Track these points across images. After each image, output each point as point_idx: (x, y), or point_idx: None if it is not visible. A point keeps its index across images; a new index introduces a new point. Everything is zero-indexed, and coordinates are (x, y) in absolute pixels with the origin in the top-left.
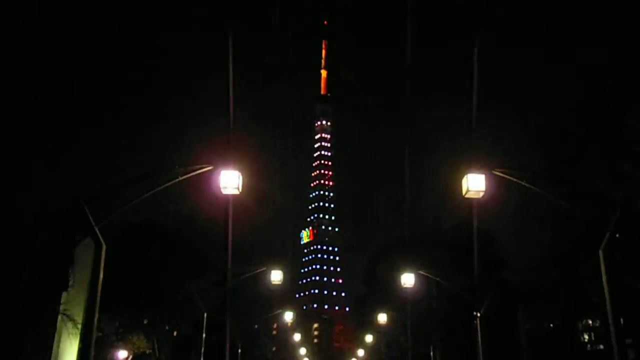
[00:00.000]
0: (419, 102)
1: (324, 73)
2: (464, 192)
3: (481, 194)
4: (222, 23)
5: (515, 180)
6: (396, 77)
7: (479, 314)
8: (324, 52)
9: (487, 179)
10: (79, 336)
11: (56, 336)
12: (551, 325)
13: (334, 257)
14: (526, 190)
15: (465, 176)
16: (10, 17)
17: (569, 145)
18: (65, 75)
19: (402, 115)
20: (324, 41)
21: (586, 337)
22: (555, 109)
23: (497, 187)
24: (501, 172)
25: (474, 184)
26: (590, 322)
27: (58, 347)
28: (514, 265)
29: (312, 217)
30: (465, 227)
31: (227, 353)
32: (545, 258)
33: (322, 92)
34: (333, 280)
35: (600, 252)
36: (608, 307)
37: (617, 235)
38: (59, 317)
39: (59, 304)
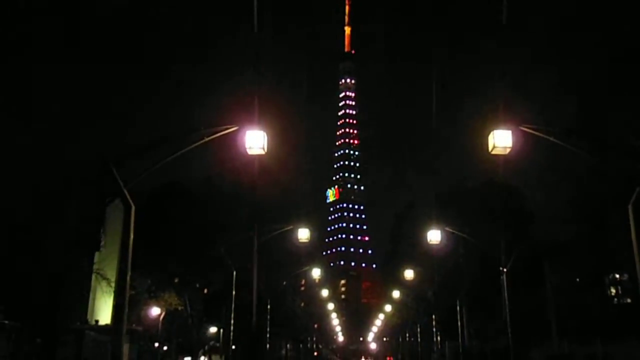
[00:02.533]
0: (444, 61)
1: (347, 30)
2: (490, 148)
3: (508, 150)
4: None
5: (543, 135)
6: (423, 37)
7: (505, 270)
8: (347, 7)
9: (514, 134)
10: (112, 294)
11: (91, 294)
12: (577, 279)
13: (360, 215)
14: (554, 145)
15: (492, 132)
16: None
17: (598, 98)
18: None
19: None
20: None
21: (613, 290)
22: (585, 61)
23: (524, 142)
24: (529, 128)
25: (501, 140)
26: (617, 276)
27: (94, 304)
28: (541, 221)
29: (337, 176)
30: (492, 183)
31: (254, 309)
32: (573, 213)
33: (346, 49)
34: (359, 238)
35: (630, 207)
36: (636, 261)
37: None
38: (93, 276)
39: (93, 263)
